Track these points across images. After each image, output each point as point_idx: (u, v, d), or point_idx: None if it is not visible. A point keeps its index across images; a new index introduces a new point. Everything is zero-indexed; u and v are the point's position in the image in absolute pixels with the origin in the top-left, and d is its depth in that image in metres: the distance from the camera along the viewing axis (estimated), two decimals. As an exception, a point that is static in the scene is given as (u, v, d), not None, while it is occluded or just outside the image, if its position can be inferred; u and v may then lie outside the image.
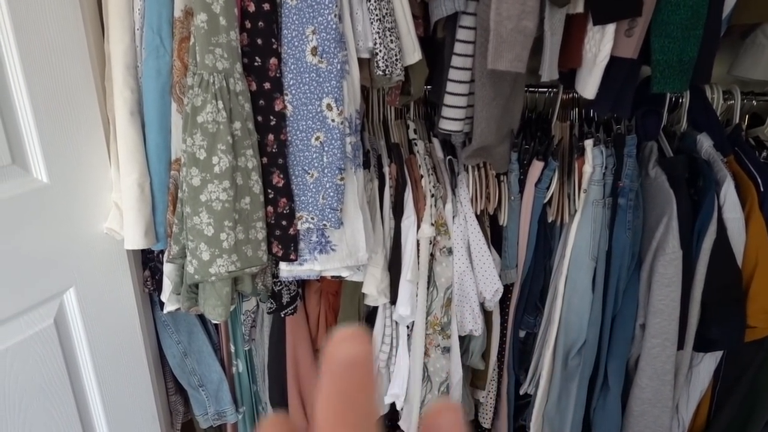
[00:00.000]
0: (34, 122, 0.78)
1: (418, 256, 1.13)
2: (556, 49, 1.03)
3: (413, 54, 1.02)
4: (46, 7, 0.77)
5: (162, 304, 1.03)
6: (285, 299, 1.13)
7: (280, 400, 1.31)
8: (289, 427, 0.19)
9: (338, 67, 0.89)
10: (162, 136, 0.89)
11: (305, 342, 1.25)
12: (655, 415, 1.23)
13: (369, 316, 1.25)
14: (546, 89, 1.27)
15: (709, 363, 1.28)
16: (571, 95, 1.25)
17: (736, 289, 1.16)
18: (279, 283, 1.11)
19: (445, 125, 1.12)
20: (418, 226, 1.12)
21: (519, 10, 0.90)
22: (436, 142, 1.24)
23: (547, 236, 1.24)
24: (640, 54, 1.04)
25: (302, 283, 1.20)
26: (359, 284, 1.12)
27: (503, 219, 1.21)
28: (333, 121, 0.91)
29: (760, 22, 1.22)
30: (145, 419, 1.09)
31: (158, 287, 1.05)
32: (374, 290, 1.11)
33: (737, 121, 1.28)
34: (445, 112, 1.11)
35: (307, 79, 0.89)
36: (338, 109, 0.90)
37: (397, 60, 0.96)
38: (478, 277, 1.18)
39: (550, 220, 1.22)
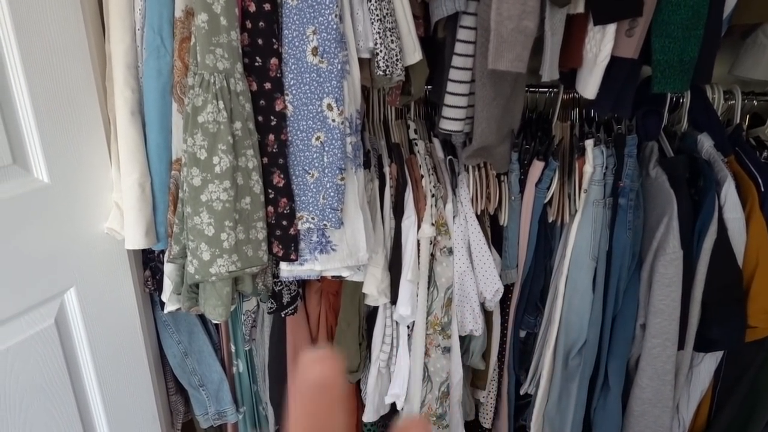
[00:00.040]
0: (35, 122, 0.78)
1: (419, 256, 1.13)
2: (557, 49, 1.03)
3: (414, 54, 1.02)
4: (47, 7, 0.77)
5: (162, 304, 1.03)
6: (285, 299, 1.13)
7: (280, 400, 1.31)
8: None
9: (339, 68, 0.89)
10: (163, 136, 0.89)
11: (306, 342, 1.25)
12: (655, 415, 1.23)
13: (369, 316, 1.25)
14: (546, 89, 1.27)
15: (709, 363, 1.28)
16: (571, 95, 1.25)
17: (737, 289, 1.16)
18: (279, 283, 1.11)
19: (445, 125, 1.12)
20: (419, 226, 1.12)
21: (520, 10, 0.90)
22: (436, 142, 1.24)
23: (547, 236, 1.25)
24: (641, 54, 1.04)
25: (303, 283, 1.20)
26: (360, 284, 1.12)
27: (504, 219, 1.21)
28: (333, 121, 0.91)
29: (760, 22, 1.22)
30: (145, 419, 1.09)
31: (159, 287, 1.05)
32: (375, 290, 1.11)
33: (738, 121, 1.28)
34: (446, 112, 1.11)
35: (308, 79, 0.89)
36: (339, 109, 0.90)
37: (397, 60, 0.96)
38: (478, 277, 1.18)
39: (550, 220, 1.22)
